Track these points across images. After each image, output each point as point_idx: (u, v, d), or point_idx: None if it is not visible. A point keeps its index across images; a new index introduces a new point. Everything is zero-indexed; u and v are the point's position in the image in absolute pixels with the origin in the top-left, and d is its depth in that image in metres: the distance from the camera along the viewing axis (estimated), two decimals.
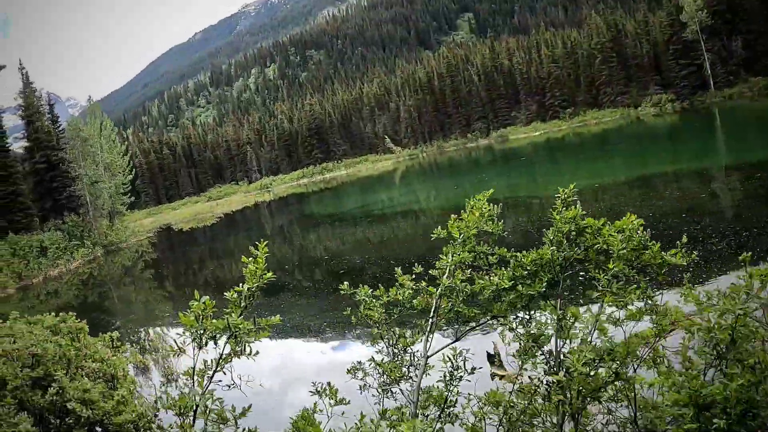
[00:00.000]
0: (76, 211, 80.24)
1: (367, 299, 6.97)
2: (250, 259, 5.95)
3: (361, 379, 7.01)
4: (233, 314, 5.82)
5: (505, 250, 6.58)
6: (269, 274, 5.93)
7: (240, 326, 5.69)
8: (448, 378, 6.62)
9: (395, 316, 6.93)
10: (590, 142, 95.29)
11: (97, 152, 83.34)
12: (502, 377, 14.73)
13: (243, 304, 5.84)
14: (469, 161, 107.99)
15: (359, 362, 7.10)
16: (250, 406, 5.93)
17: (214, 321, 5.79)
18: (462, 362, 6.62)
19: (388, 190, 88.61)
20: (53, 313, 23.00)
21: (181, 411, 5.77)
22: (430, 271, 6.83)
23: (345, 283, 7.18)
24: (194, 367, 5.89)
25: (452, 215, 6.84)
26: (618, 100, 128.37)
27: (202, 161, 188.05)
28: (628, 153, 66.97)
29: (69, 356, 15.47)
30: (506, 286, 6.26)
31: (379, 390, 6.95)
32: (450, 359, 6.64)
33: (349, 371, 7.09)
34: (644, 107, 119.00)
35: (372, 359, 7.00)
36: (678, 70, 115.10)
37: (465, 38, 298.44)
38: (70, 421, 12.98)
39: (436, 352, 6.80)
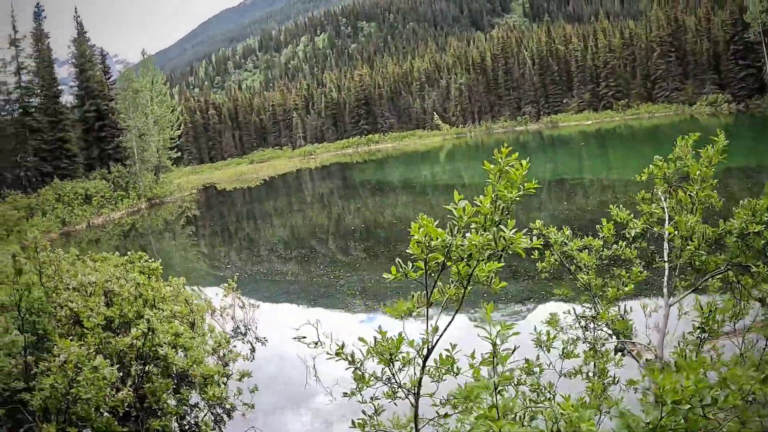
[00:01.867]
0: (122, 162, 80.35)
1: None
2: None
3: None
4: None
5: None
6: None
7: None
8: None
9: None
10: (642, 135, 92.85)
11: (147, 105, 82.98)
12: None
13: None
14: (517, 145, 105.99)
15: None
16: None
17: None
18: None
19: (432, 166, 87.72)
20: (116, 253, 22.25)
21: None
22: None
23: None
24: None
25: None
26: (672, 96, 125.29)
27: (247, 124, 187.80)
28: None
29: (146, 296, 14.55)
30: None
31: None
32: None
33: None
34: (699, 106, 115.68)
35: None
36: (736, 71, 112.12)
37: (517, 21, 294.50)
38: (155, 368, 12.04)
39: None
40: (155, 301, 14.89)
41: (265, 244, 42.11)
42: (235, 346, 13.82)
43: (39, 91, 78.70)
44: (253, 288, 22.12)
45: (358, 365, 5.95)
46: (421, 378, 5.37)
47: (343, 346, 6.02)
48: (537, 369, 5.97)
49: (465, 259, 4.95)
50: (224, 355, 13.69)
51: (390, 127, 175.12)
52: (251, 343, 17.66)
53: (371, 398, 6.01)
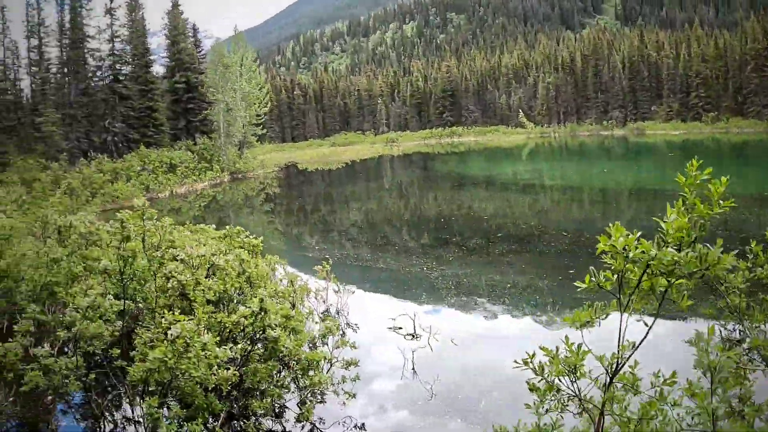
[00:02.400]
0: (208, 134, 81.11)
1: None
2: None
3: None
4: None
5: None
6: None
7: None
8: None
9: None
10: (730, 150, 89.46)
11: (236, 81, 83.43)
12: None
13: None
14: (601, 149, 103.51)
15: None
16: None
17: None
18: None
19: (514, 163, 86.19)
20: (213, 226, 21.82)
21: None
22: None
23: None
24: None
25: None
26: (764, 111, 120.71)
27: (331, 106, 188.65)
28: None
29: (250, 273, 14.09)
30: None
31: None
32: None
33: None
34: None
35: None
36: None
37: (609, 24, 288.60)
38: (260, 349, 11.56)
39: None
40: (258, 279, 14.45)
41: (351, 228, 41.59)
42: (343, 334, 13.15)
43: (131, 59, 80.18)
44: (342, 272, 21.44)
45: (547, 376, 5.44)
46: (610, 396, 5.10)
47: (533, 355, 5.50)
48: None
49: (665, 275, 4.67)
50: (336, 341, 13.05)
51: (474, 121, 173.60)
52: (342, 329, 17.02)
53: (546, 410, 5.45)
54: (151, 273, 13.42)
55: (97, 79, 79.32)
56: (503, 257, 26.44)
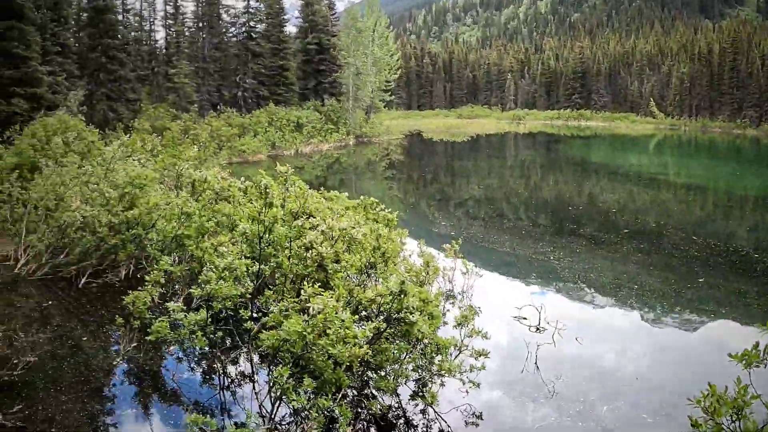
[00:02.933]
0: (336, 96, 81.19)
1: None
2: None
3: None
4: None
5: None
6: None
7: None
8: None
9: None
10: None
11: (368, 45, 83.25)
12: None
13: None
14: (731, 149, 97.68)
15: None
16: None
17: None
18: None
19: (640, 154, 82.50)
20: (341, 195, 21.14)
21: None
22: None
23: None
24: None
25: None
26: None
27: (460, 78, 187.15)
28: None
29: (385, 249, 13.38)
30: None
31: None
32: None
33: None
34: None
35: None
36: None
37: (750, 16, 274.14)
38: (393, 329, 10.87)
39: None
40: (392, 255, 13.71)
41: (472, 205, 40.64)
42: (475, 322, 12.24)
43: (264, 17, 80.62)
44: (465, 251, 20.37)
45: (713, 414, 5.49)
46: None
47: (706, 396, 5.55)
48: None
49: None
50: (470, 329, 12.13)
51: (603, 106, 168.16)
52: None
53: None
54: (288, 240, 12.74)
55: (230, 35, 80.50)
56: (631, 256, 24.85)
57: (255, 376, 12.43)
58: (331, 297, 9.58)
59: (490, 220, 34.44)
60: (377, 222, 16.07)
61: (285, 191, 14.29)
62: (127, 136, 34.48)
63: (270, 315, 10.53)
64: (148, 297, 12.61)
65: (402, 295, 10.14)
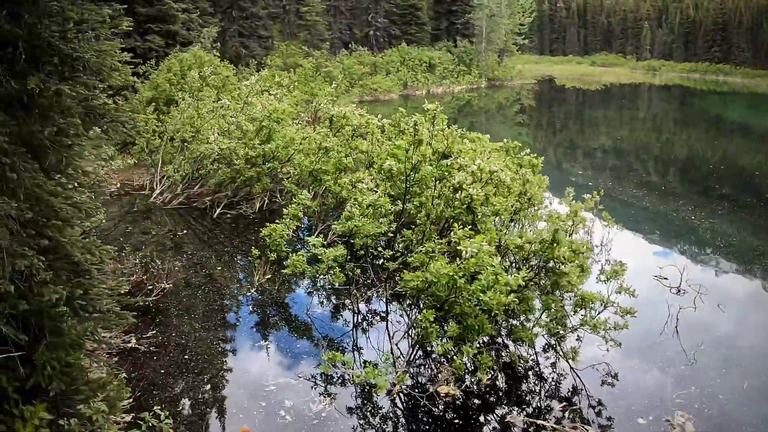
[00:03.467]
0: (468, 38, 79.54)
1: None
2: None
3: None
4: None
5: None
6: None
7: None
8: None
9: None
10: None
11: None
12: None
13: None
14: None
15: None
16: None
17: None
18: None
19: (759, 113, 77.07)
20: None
21: None
22: None
23: None
24: None
25: None
26: None
27: (594, 24, 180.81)
28: None
29: (531, 194, 12.65)
30: None
31: None
32: None
33: None
34: None
35: None
36: None
37: None
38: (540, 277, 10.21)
39: None
40: (538, 201, 12.89)
41: (606, 156, 38.80)
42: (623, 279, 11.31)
43: None
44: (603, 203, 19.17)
45: None
46: None
47: None
48: None
49: None
50: (618, 285, 11.21)
51: (743, 61, 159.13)
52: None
53: None
54: (434, 180, 12.05)
55: None
56: None
57: (389, 315, 12.01)
58: (484, 241, 8.83)
59: (624, 173, 32.75)
60: (521, 166, 15.13)
61: (431, 129, 13.61)
62: (260, 73, 34.38)
63: (414, 255, 9.91)
64: (286, 230, 12.19)
65: (554, 244, 9.32)
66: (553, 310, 10.41)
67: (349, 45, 68.18)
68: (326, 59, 58.26)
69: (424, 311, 8.64)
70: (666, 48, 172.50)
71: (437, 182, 12.22)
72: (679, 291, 14.54)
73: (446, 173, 12.05)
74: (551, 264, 9.58)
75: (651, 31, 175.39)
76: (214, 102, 21.75)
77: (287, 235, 12.31)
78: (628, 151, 40.64)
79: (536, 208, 13.58)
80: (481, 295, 8.45)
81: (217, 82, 26.78)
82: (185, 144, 20.05)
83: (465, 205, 11.69)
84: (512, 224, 12.91)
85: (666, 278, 15.25)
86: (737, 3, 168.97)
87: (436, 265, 8.53)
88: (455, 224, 9.86)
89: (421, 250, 9.98)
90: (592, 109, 67.42)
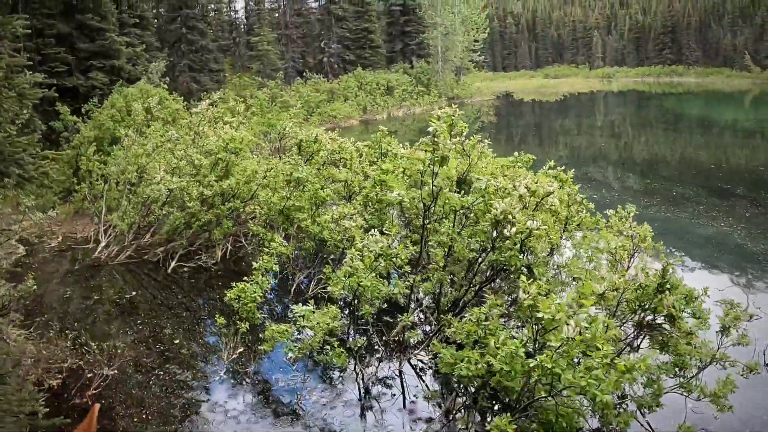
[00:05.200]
0: (425, 58, 78.35)
1: None
2: None
3: None
4: None
5: None
6: None
7: None
8: None
9: None
10: None
11: (455, 3, 79.41)
12: None
13: None
14: None
15: None
16: None
17: None
18: None
19: (735, 110, 76.51)
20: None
21: None
22: None
23: None
24: None
25: None
26: None
27: (544, 37, 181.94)
28: None
29: (579, 220, 10.16)
30: None
31: None
32: None
33: None
34: None
35: None
36: None
37: None
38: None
39: None
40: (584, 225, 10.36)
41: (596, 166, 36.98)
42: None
43: None
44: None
45: None
46: None
47: None
48: None
49: None
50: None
51: (695, 61, 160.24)
52: None
53: None
54: (462, 211, 9.25)
55: (312, 0, 78.60)
56: None
57: (410, 398, 9.16)
58: (579, 299, 6.14)
59: (623, 179, 30.75)
60: (562, 183, 12.32)
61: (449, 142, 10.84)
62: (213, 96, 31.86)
63: (455, 324, 7.19)
64: (258, 291, 9.39)
65: (663, 289, 6.71)
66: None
67: (303, 73, 66.37)
68: (281, 89, 56.11)
69: (497, 420, 5.94)
70: (618, 54, 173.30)
71: (462, 214, 9.40)
72: (751, 317, 11.80)
73: (479, 201, 9.09)
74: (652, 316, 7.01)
75: (601, 39, 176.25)
76: (161, 137, 19.05)
77: (260, 296, 9.47)
78: (586, 158, 39.12)
79: (587, 234, 10.85)
80: (594, 391, 5.77)
81: (166, 115, 24.15)
82: (131, 187, 17.30)
83: (517, 244, 8.79)
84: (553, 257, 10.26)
85: (735, 302, 12.56)
86: (685, 4, 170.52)
87: (505, 348, 5.83)
88: (523, 277, 7.01)
89: (469, 318, 7.24)
90: (551, 120, 66.67)
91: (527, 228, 8.07)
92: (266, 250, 10.55)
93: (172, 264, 15.45)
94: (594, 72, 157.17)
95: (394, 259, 7.58)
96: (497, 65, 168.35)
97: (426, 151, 8.39)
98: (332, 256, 12.70)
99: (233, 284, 9.84)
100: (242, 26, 74.89)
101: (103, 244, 17.14)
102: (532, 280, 6.81)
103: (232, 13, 77.15)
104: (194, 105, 39.29)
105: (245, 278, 9.91)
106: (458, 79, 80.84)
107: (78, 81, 31.90)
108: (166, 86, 32.28)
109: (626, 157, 38.89)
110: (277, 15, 72.74)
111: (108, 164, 19.29)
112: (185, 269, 15.46)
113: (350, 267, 7.79)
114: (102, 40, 34.51)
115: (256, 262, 10.39)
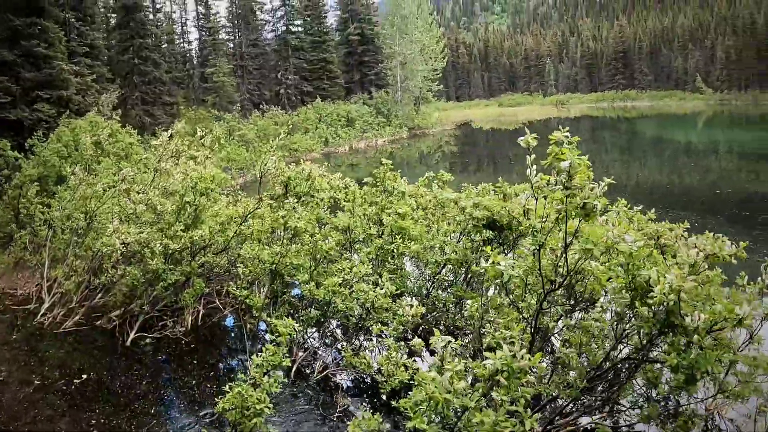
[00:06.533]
0: (384, 88, 76.75)
1: None
2: None
3: None
4: None
5: None
6: None
7: None
8: None
9: None
10: None
11: (413, 32, 77.86)
12: None
13: None
14: None
15: None
16: None
17: None
18: None
19: (687, 132, 77.13)
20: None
21: None
22: None
23: None
24: None
25: None
26: None
27: (497, 66, 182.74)
28: None
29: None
30: None
31: None
32: None
33: None
34: None
35: None
36: None
37: None
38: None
39: None
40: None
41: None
42: None
43: (304, 10, 77.38)
44: None
45: None
46: None
47: None
48: None
49: None
50: None
51: (647, 85, 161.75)
52: None
53: None
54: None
55: (269, 30, 77.79)
56: None
57: None
58: None
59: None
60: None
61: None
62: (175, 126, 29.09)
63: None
64: (265, 400, 6.56)
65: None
66: None
67: (260, 105, 63.98)
68: (238, 122, 53.58)
69: None
70: (570, 81, 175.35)
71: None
72: None
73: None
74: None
75: (554, 66, 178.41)
76: (114, 174, 16.22)
77: (267, 407, 6.61)
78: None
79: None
80: None
81: (118, 149, 21.34)
82: (78, 238, 14.44)
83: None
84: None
85: None
86: (635, 29, 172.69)
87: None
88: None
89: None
90: (509, 149, 65.60)
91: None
92: (270, 336, 7.71)
93: (131, 335, 12.37)
94: (548, 99, 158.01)
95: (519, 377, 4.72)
96: (451, 95, 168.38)
97: (556, 198, 5.61)
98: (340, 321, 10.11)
99: (226, 388, 6.96)
100: (196, 58, 73.03)
101: (46, 305, 14.20)
102: None
103: (186, 45, 75.43)
104: (148, 140, 36.89)
105: (240, 375, 7.09)
106: (417, 108, 79.19)
107: (23, 113, 29.46)
108: (118, 119, 29.46)
109: None
110: (232, 46, 70.43)
111: (52, 207, 16.48)
112: (147, 342, 12.41)
113: (433, 391, 4.88)
114: (49, 69, 32.19)
115: (235, 329, 7.69)
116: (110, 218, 13.45)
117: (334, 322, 10.94)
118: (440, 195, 12.13)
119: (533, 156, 6.19)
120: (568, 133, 5.71)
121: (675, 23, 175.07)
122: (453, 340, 5.27)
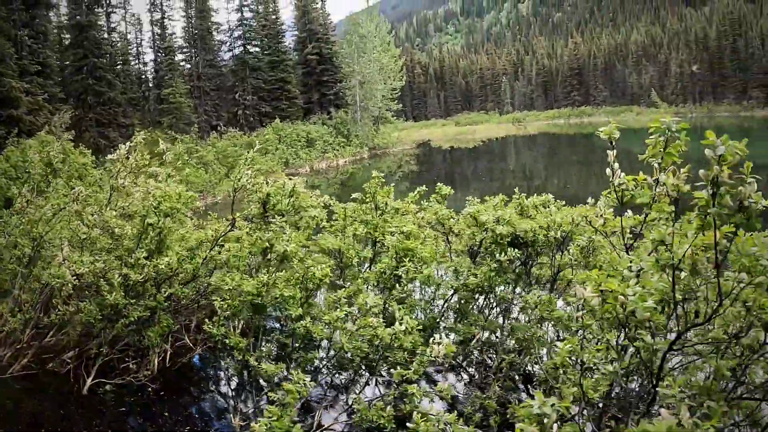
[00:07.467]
0: (343, 108, 75.70)
1: None
2: None
3: None
4: None
5: None
6: None
7: None
8: None
9: None
10: None
11: (372, 51, 77.04)
12: None
13: None
14: (740, 131, 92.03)
15: None
16: None
17: None
18: None
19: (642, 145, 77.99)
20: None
21: None
22: None
23: None
24: None
25: None
26: None
27: (453, 86, 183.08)
28: None
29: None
30: None
31: None
32: None
33: None
34: None
35: None
36: None
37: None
38: None
39: None
40: None
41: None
42: None
43: (261, 30, 76.53)
44: None
45: None
46: None
47: None
48: None
49: None
50: None
51: (603, 101, 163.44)
52: None
53: None
54: None
55: (226, 50, 76.93)
56: None
57: None
58: None
59: None
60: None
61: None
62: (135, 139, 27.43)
63: None
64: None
65: None
66: None
67: (218, 127, 62.35)
68: (195, 143, 51.90)
69: None
70: (526, 99, 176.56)
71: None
72: None
73: None
74: None
75: (510, 84, 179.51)
76: (65, 195, 14.47)
77: None
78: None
79: None
80: None
81: (71, 170, 19.69)
82: (24, 269, 12.63)
83: None
84: None
85: None
86: (589, 47, 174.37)
87: None
88: None
89: None
90: (468, 166, 66.70)
91: None
92: (271, 395, 6.12)
93: (89, 381, 10.49)
94: (505, 117, 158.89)
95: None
96: (408, 115, 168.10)
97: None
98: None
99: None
100: (152, 79, 71.76)
101: None
102: None
103: (141, 66, 73.61)
104: (103, 162, 35.15)
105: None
106: (377, 128, 78.38)
107: None
108: (71, 140, 27.83)
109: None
110: (188, 67, 68.78)
111: None
112: (108, 389, 10.50)
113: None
114: None
115: (210, 369, 6.12)
116: (60, 245, 11.69)
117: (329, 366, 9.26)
118: (441, 210, 10.69)
119: (614, 152, 4.85)
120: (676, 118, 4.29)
121: (628, 39, 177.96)
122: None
